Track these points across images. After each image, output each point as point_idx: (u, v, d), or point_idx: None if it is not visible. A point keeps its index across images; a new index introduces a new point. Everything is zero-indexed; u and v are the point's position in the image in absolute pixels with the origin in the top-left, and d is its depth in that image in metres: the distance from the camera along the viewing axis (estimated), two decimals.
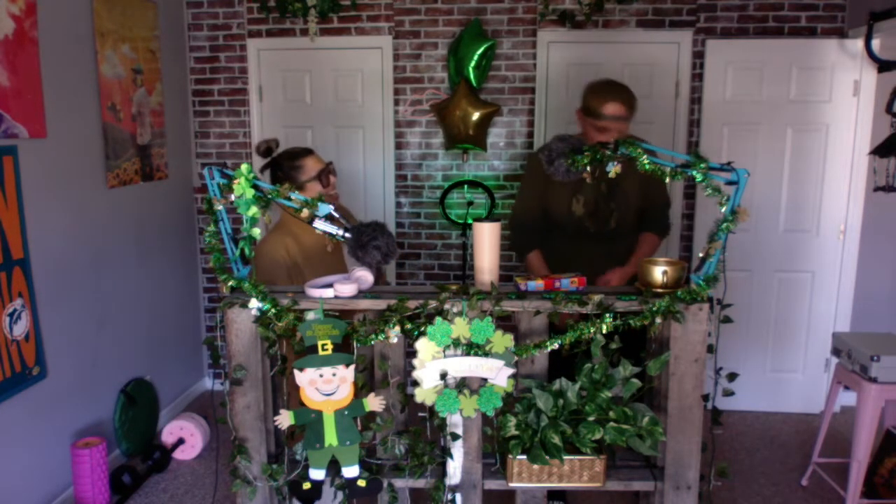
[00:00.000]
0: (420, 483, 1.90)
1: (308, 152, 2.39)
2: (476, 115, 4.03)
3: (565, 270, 2.41)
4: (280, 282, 2.30)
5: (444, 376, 1.80)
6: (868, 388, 2.90)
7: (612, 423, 1.79)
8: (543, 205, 2.82)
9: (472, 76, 4.01)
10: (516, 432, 1.83)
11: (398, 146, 4.29)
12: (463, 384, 1.82)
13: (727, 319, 1.82)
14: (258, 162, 4.40)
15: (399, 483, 1.91)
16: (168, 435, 3.61)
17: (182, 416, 3.70)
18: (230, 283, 1.81)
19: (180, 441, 3.61)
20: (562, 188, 2.73)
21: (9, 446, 2.80)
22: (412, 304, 1.79)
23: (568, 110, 4.16)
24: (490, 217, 4.22)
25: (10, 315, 2.75)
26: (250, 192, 1.74)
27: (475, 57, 3.97)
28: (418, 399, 1.82)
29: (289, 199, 1.79)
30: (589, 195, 2.77)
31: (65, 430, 3.15)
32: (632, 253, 2.82)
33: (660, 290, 1.81)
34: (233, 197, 1.75)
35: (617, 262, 2.76)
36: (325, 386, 1.77)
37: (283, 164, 2.38)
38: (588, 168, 1.84)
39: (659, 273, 1.81)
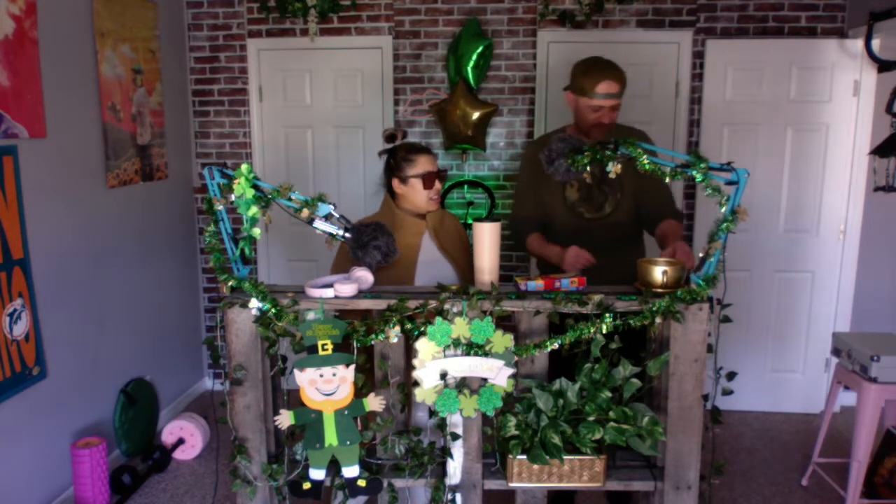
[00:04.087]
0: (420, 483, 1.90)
1: (426, 152, 2.41)
2: (474, 116, 4.03)
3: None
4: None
5: (444, 376, 1.80)
6: (868, 388, 2.90)
7: (612, 423, 1.79)
8: (539, 196, 2.78)
9: (470, 76, 4.01)
10: (516, 432, 1.83)
11: None
12: (463, 384, 1.82)
13: (727, 319, 1.83)
14: (260, 158, 4.39)
15: (399, 483, 1.91)
16: (168, 435, 3.61)
17: (182, 416, 3.70)
18: (230, 283, 1.81)
19: (180, 441, 3.61)
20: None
21: (9, 446, 2.79)
22: (412, 304, 1.79)
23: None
24: (490, 217, 4.22)
25: (10, 315, 2.75)
26: (250, 192, 1.74)
27: (474, 57, 3.97)
28: (418, 399, 1.82)
29: (289, 199, 1.79)
30: (581, 180, 2.71)
31: (65, 430, 3.14)
32: (633, 243, 2.81)
33: (660, 290, 1.81)
34: (233, 197, 1.75)
35: (619, 251, 2.68)
36: (325, 386, 1.77)
37: (399, 154, 2.39)
38: (588, 168, 1.84)
39: (659, 273, 1.81)
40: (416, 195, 2.36)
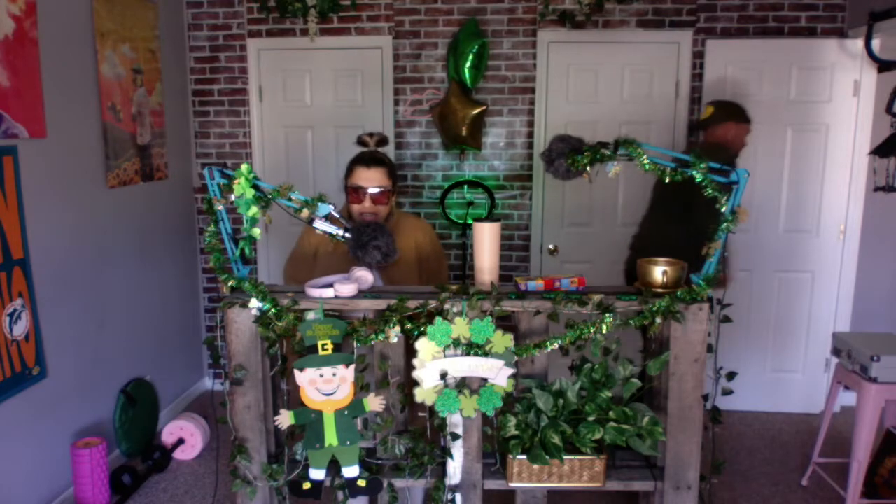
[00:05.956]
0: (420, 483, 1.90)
1: (367, 164, 2.27)
2: (467, 115, 4.02)
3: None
4: (300, 267, 2.31)
5: (444, 376, 1.80)
6: (868, 388, 2.90)
7: (612, 423, 1.79)
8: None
9: (466, 76, 4.01)
10: (516, 432, 1.83)
11: (398, 146, 4.29)
12: (463, 384, 1.82)
13: (727, 319, 1.83)
14: (258, 160, 4.39)
15: (399, 483, 1.91)
16: (168, 435, 3.61)
17: (182, 416, 3.70)
18: (230, 283, 1.81)
19: (180, 441, 3.61)
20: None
21: (9, 446, 2.79)
22: (412, 304, 1.79)
23: (563, 112, 4.17)
24: (490, 217, 4.22)
25: (10, 315, 2.75)
26: (250, 192, 1.74)
27: (470, 56, 3.97)
28: (418, 399, 1.82)
29: (289, 199, 1.79)
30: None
31: (65, 430, 3.14)
32: None
33: (660, 290, 1.81)
34: (233, 197, 1.75)
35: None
36: (326, 386, 1.77)
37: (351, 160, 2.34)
38: (588, 168, 1.83)
39: (659, 273, 1.81)
40: (351, 207, 2.31)
